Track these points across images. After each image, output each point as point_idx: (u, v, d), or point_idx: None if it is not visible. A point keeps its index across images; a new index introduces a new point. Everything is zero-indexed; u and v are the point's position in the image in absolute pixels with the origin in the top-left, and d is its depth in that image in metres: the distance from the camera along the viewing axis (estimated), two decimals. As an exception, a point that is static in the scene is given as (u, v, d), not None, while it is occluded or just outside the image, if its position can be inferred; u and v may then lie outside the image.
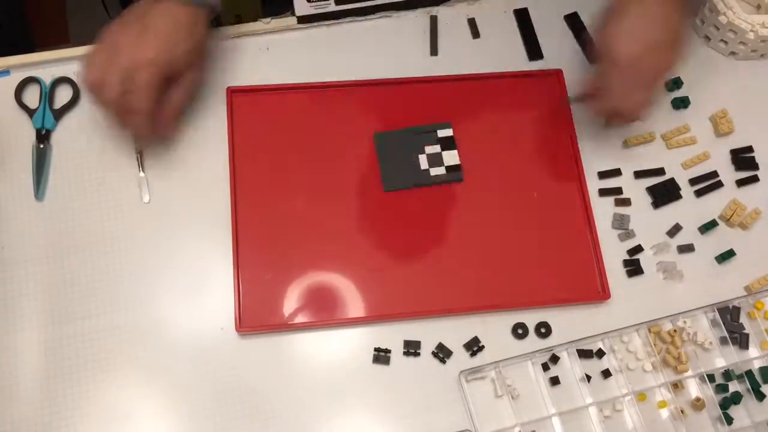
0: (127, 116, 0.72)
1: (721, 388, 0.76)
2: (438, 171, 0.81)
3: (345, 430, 0.73)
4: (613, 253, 0.80)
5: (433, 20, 0.88)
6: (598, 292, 0.79)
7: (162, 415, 0.72)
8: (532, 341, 0.77)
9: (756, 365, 0.77)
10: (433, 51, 0.86)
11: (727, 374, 0.77)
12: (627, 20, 0.75)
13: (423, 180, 0.81)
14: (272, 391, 0.73)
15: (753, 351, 0.78)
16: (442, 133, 0.82)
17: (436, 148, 0.82)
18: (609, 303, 0.79)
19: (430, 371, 0.75)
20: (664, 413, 0.75)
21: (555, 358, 0.76)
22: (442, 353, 0.75)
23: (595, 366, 0.76)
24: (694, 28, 0.90)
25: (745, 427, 0.75)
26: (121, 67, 0.70)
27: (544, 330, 0.77)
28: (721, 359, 0.77)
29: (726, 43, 0.87)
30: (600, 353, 0.76)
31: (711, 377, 0.76)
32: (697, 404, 0.75)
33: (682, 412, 0.74)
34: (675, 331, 0.77)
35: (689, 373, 0.76)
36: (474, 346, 0.76)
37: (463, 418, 0.74)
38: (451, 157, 0.81)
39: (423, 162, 0.81)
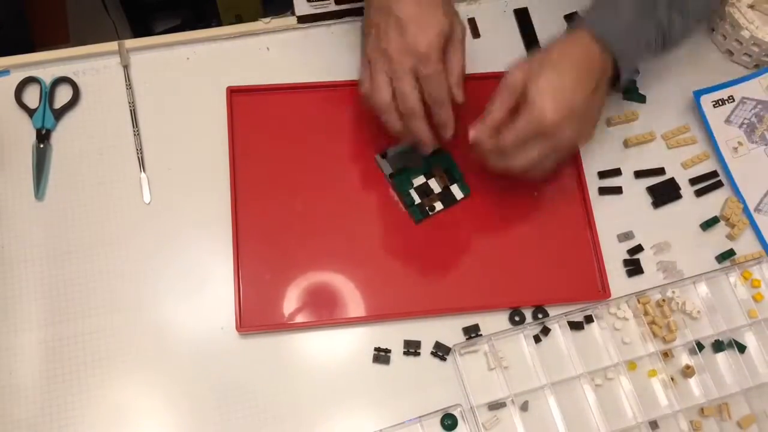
0: (409, 114, 0.69)
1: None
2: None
3: (345, 430, 0.73)
4: (613, 252, 0.80)
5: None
6: (599, 292, 0.79)
7: (162, 415, 0.72)
8: (532, 341, 0.77)
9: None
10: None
11: (717, 344, 0.77)
12: (556, 76, 0.66)
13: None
14: (272, 391, 0.73)
15: (741, 319, 0.79)
16: (454, 189, 0.81)
17: (438, 184, 0.81)
18: (609, 302, 0.79)
19: (430, 371, 0.75)
20: (655, 381, 0.76)
21: (546, 330, 0.76)
22: (441, 352, 0.75)
23: (585, 338, 0.77)
24: (716, 44, 0.90)
25: (733, 393, 0.76)
26: (387, 62, 0.68)
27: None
28: (709, 328, 0.78)
29: (750, 56, 0.87)
30: (589, 319, 0.77)
31: (700, 346, 0.77)
32: (687, 371, 0.76)
33: (672, 379, 0.75)
34: (664, 300, 0.77)
35: (678, 342, 0.77)
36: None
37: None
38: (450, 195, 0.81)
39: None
